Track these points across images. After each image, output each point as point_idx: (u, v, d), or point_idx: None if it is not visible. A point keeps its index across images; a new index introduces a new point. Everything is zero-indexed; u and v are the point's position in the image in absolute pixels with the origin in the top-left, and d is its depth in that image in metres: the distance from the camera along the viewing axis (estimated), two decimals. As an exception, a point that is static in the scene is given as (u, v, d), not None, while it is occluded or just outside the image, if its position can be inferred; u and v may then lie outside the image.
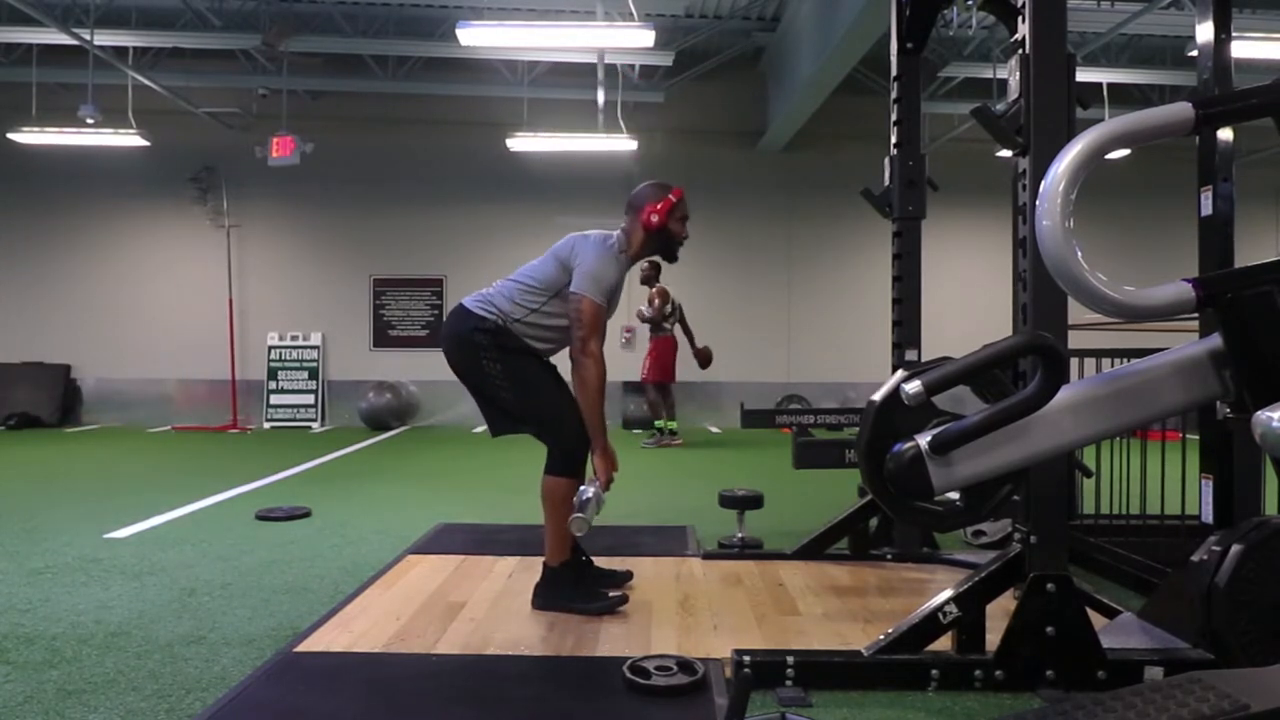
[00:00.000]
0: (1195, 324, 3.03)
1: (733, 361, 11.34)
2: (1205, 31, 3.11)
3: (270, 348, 11.21)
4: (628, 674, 2.40)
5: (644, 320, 8.81)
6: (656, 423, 8.95)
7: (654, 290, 8.61)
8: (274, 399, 11.12)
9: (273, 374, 11.17)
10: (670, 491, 6.00)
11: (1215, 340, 2.31)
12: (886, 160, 3.91)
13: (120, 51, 9.42)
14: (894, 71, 3.89)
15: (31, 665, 2.58)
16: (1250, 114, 2.24)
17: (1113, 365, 2.79)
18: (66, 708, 2.28)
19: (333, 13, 9.57)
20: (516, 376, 3.07)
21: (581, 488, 2.96)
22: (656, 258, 3.35)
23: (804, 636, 2.81)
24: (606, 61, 9.34)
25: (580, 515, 2.80)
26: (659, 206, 3.17)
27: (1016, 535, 2.61)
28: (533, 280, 3.13)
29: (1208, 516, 3.15)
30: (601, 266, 3.07)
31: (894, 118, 3.88)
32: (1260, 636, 2.16)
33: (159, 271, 11.26)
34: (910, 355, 3.79)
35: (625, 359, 10.37)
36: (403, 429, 10.67)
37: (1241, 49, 5.96)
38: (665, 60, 9.66)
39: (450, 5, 9.49)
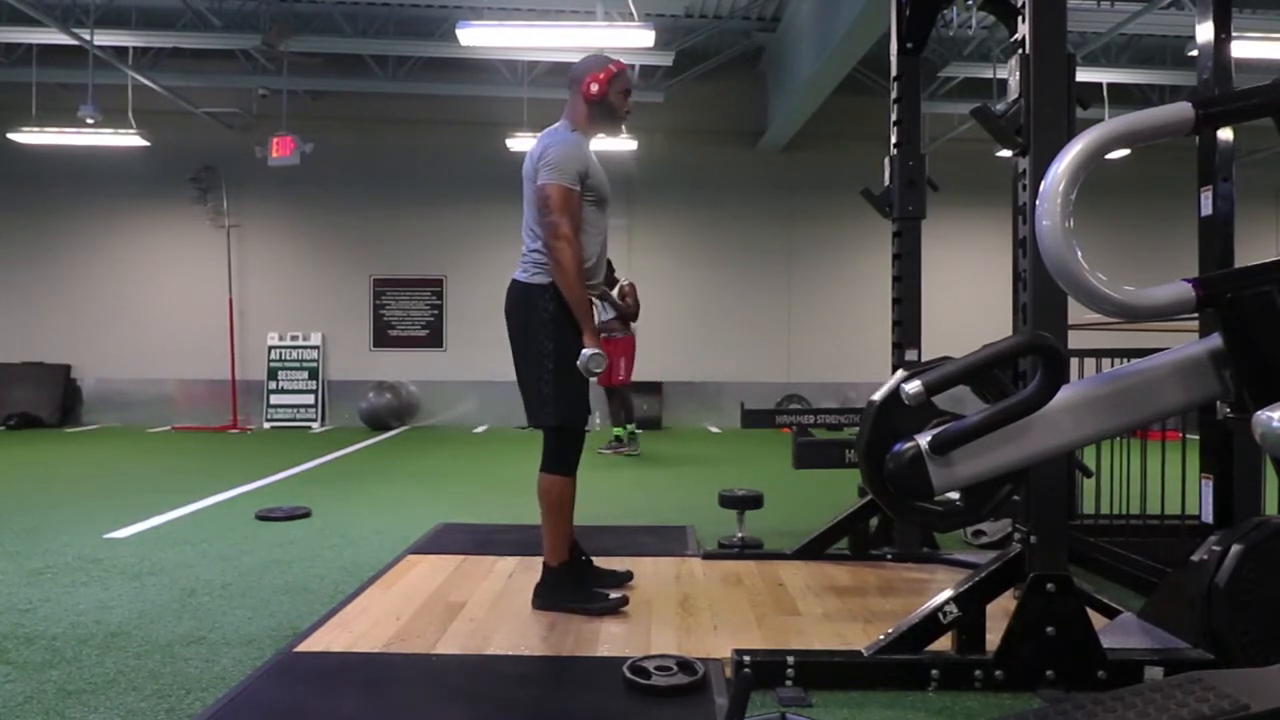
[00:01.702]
0: (1195, 324, 3.03)
1: (733, 361, 11.37)
2: (1205, 31, 3.11)
3: (270, 348, 11.20)
4: (628, 674, 2.40)
5: (622, 315, 8.09)
6: (628, 427, 8.26)
7: (624, 285, 8.13)
8: (274, 399, 11.11)
9: (273, 374, 11.16)
10: (670, 491, 6.00)
11: (1215, 340, 2.31)
12: (886, 160, 3.91)
13: (120, 51, 9.42)
14: (894, 71, 3.89)
15: (31, 665, 2.58)
16: (1250, 114, 2.24)
17: (1113, 365, 2.79)
18: (66, 708, 2.28)
19: (333, 13, 9.57)
20: (560, 356, 3.02)
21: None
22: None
23: (804, 636, 2.81)
24: (606, 61, 9.31)
25: (596, 352, 2.94)
26: (600, 76, 3.15)
27: (1016, 535, 2.61)
28: (531, 208, 3.10)
29: (1208, 516, 3.15)
30: (559, 153, 3.03)
31: (894, 118, 3.88)
32: (1260, 636, 2.16)
33: (159, 271, 11.25)
34: (910, 355, 3.79)
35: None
36: (403, 429, 10.67)
37: (1241, 49, 5.96)
38: (665, 60, 9.65)
39: (450, 5, 9.49)
